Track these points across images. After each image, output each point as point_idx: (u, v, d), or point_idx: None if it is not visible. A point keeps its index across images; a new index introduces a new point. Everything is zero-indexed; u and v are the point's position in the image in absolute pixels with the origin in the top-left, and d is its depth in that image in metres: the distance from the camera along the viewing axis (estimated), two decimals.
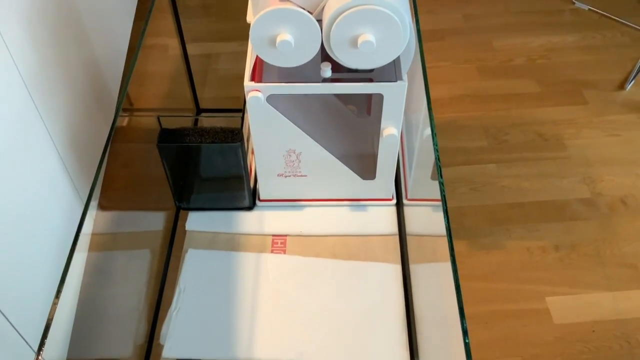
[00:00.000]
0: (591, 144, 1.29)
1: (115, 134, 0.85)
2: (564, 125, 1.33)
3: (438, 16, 1.57)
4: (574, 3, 1.62)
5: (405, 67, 0.73)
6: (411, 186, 0.92)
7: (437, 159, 0.68)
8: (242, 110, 0.82)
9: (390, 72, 0.73)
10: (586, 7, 1.61)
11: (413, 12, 0.77)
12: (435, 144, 0.69)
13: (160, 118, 0.83)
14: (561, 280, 1.06)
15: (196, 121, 1.04)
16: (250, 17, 0.74)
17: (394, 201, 0.91)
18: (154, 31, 0.93)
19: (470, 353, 0.51)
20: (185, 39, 1.10)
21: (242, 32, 0.75)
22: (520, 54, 1.50)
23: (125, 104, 0.97)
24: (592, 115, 1.35)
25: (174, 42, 1.13)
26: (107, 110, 1.07)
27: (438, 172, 0.65)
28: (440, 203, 0.65)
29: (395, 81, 0.71)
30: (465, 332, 0.51)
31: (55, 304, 0.52)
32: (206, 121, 1.04)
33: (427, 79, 0.73)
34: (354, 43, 0.65)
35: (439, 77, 1.45)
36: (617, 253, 1.10)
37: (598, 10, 1.60)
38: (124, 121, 0.92)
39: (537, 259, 1.09)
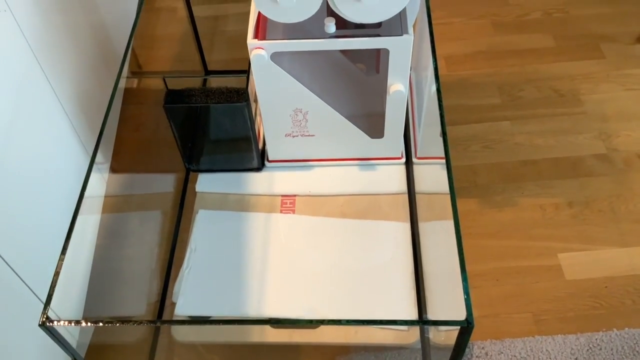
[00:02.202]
0: (608, 99, 1.26)
1: (124, 98, 0.85)
2: (581, 80, 1.30)
3: None
4: None
5: (410, 21, 0.72)
6: (420, 144, 0.91)
7: (441, 106, 0.67)
8: (247, 72, 0.81)
9: (395, 26, 0.71)
10: None
11: None
12: (439, 98, 0.68)
13: (167, 79, 0.83)
14: (574, 236, 1.05)
15: (203, 83, 1.04)
16: None
17: (403, 160, 0.91)
18: None
19: (471, 308, 0.51)
20: (191, 0, 1.09)
21: None
22: (537, 8, 1.46)
23: (133, 67, 0.97)
24: (610, 70, 1.31)
25: (180, 5, 1.12)
26: (116, 74, 1.07)
27: (442, 123, 0.65)
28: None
29: (401, 35, 0.70)
30: (465, 283, 0.51)
31: (61, 259, 0.53)
32: (212, 82, 1.04)
33: (432, 30, 0.72)
34: None
35: (452, 34, 1.42)
36: (632, 209, 1.08)
37: None
38: (133, 84, 0.92)
39: (550, 215, 1.07)
